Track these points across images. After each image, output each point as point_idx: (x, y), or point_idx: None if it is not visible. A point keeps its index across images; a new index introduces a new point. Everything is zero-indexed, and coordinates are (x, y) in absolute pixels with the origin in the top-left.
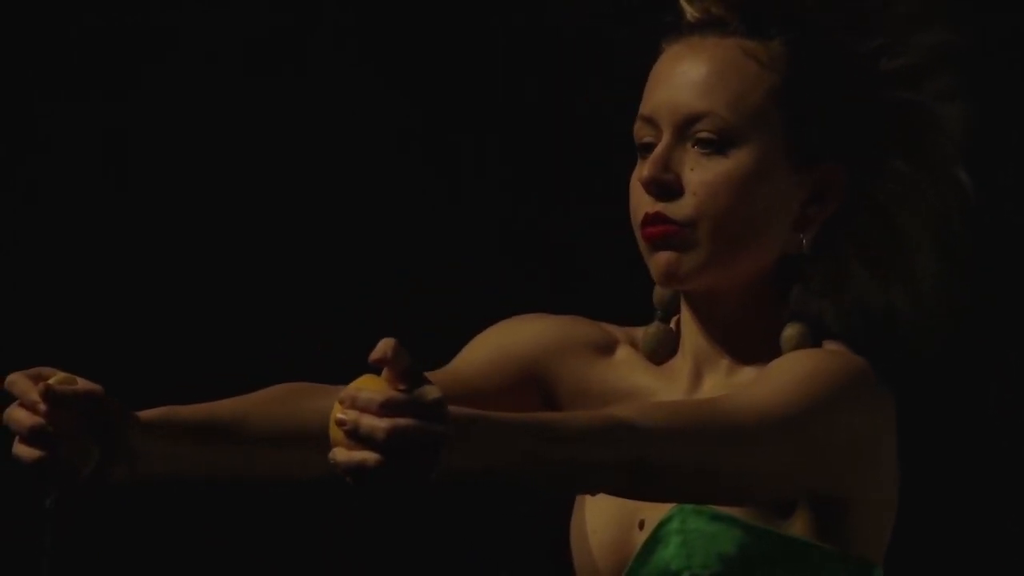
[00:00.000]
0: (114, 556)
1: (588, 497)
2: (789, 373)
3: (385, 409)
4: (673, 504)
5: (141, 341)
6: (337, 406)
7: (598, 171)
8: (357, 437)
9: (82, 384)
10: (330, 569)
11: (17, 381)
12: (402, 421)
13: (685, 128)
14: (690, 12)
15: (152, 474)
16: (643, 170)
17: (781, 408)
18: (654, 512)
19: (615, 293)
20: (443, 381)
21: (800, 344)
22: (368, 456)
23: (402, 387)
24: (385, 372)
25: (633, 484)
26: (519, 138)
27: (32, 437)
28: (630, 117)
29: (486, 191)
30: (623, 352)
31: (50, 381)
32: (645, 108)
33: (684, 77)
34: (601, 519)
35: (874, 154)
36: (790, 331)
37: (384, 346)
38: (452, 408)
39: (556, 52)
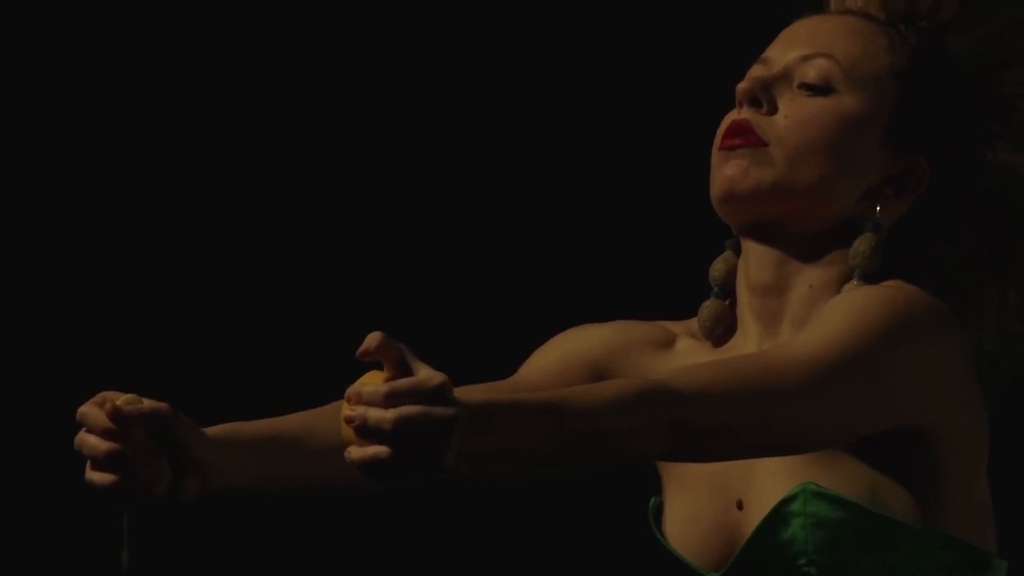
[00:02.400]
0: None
1: (676, 488)
2: (839, 314)
3: (390, 399)
4: (779, 481)
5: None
6: (345, 404)
7: None
8: (367, 432)
9: (148, 403)
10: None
11: (88, 413)
12: (407, 409)
13: (797, 66)
14: (836, 5)
15: (224, 488)
16: (741, 84)
17: (831, 352)
18: (750, 491)
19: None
20: (509, 392)
21: None
22: (380, 449)
23: (402, 377)
24: (385, 366)
25: (677, 446)
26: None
27: (105, 462)
28: None
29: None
30: (684, 343)
31: (117, 403)
32: (768, 51)
33: (813, 30)
34: (697, 505)
35: (957, 177)
36: (848, 288)
37: (369, 340)
38: (472, 396)
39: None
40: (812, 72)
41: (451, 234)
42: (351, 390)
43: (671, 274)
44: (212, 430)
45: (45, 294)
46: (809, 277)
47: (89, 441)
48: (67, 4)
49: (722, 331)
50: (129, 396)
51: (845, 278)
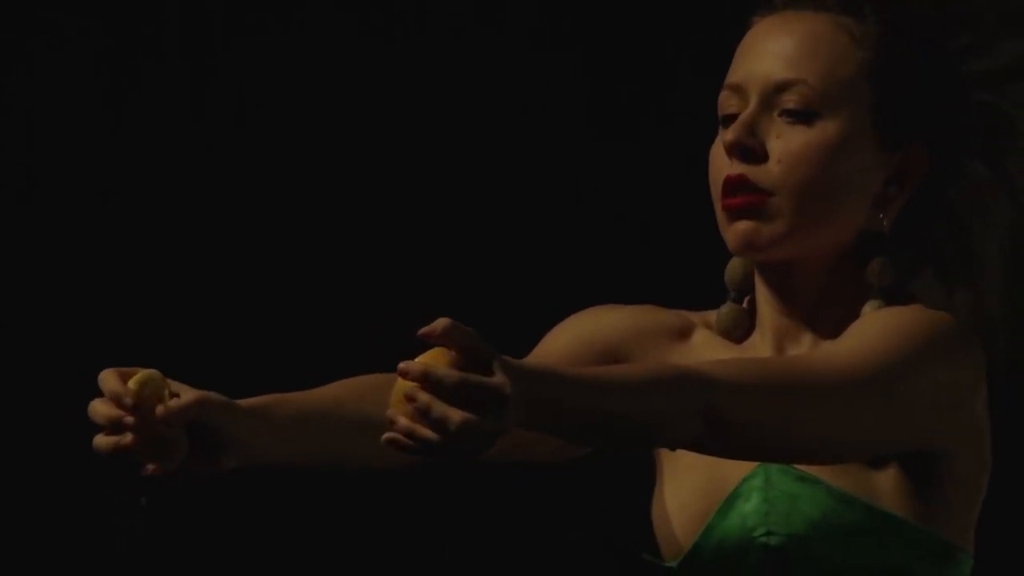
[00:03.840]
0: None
1: (671, 468)
2: (873, 329)
3: (455, 394)
4: (759, 464)
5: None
6: (402, 382)
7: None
8: (426, 418)
9: (184, 396)
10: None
11: (106, 378)
12: (472, 418)
13: (773, 96)
14: None
15: (259, 463)
16: (727, 134)
17: (864, 364)
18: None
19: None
20: None
21: None
22: (431, 436)
23: (469, 367)
24: (452, 350)
25: (710, 435)
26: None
27: (114, 429)
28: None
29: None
30: (700, 335)
31: (130, 383)
32: (733, 77)
33: (775, 47)
34: (690, 493)
35: (954, 149)
36: (871, 307)
37: (435, 325)
38: (520, 364)
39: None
40: (790, 102)
41: (451, 234)
42: (415, 367)
43: (671, 274)
44: (246, 402)
45: (45, 294)
46: (828, 287)
47: (98, 408)
48: (67, 4)
49: (741, 333)
50: (149, 372)
51: (863, 289)
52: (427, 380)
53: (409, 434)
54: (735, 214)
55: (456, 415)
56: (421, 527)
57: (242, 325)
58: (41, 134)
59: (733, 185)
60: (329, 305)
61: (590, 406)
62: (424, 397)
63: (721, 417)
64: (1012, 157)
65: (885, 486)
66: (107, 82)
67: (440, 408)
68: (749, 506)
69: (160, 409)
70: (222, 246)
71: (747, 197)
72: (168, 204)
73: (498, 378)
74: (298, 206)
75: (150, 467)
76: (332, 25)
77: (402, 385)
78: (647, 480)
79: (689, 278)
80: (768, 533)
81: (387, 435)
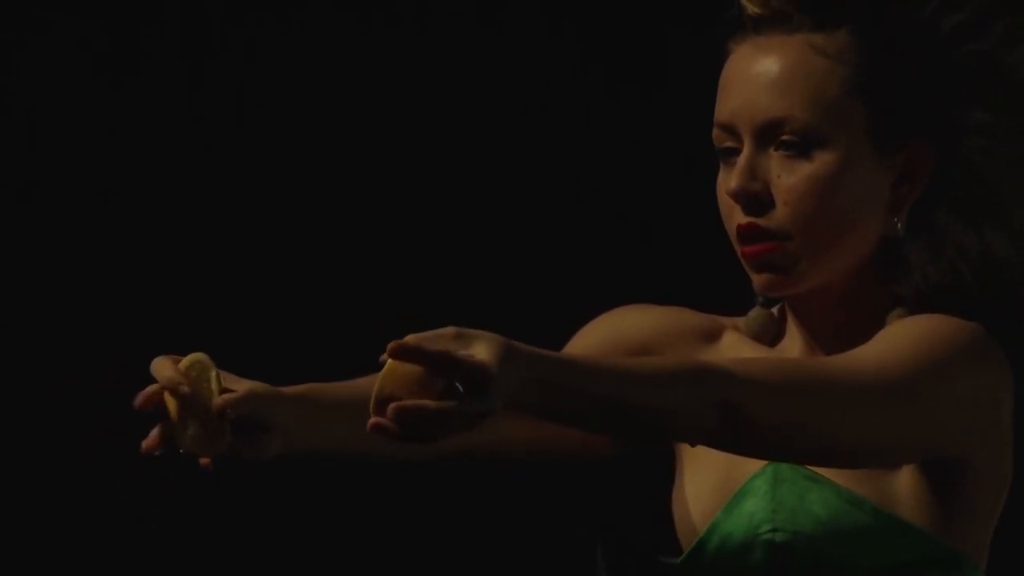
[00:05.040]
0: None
1: (690, 464)
2: (901, 336)
3: (443, 368)
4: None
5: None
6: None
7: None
8: (403, 413)
9: (238, 390)
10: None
11: (159, 366)
12: (447, 405)
13: (766, 133)
14: (751, 8)
15: (299, 449)
16: (730, 181)
17: (891, 370)
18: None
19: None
20: None
21: None
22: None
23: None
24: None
25: (729, 431)
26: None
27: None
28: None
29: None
30: (730, 337)
31: (181, 364)
32: (721, 115)
33: (757, 82)
34: (705, 485)
35: (954, 117)
36: (896, 315)
37: (394, 348)
38: (534, 350)
39: None
40: (784, 137)
41: (451, 234)
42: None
43: (671, 274)
44: (290, 390)
45: (45, 294)
46: (856, 295)
47: (163, 371)
48: (67, 4)
49: (770, 339)
50: (196, 355)
51: (890, 294)
52: (405, 415)
53: (384, 431)
54: (755, 264)
55: (432, 405)
56: (428, 522)
57: (242, 325)
58: (41, 134)
59: (746, 234)
60: (329, 304)
61: (597, 391)
62: (398, 392)
63: (739, 413)
64: (1011, 95)
65: (901, 492)
66: (107, 82)
67: (413, 404)
68: (756, 503)
69: (218, 402)
70: (222, 246)
71: (763, 246)
72: (168, 204)
73: (481, 356)
74: (298, 206)
75: (204, 461)
76: (332, 25)
77: (384, 375)
78: (663, 475)
79: (689, 278)
80: (774, 530)
81: (372, 421)
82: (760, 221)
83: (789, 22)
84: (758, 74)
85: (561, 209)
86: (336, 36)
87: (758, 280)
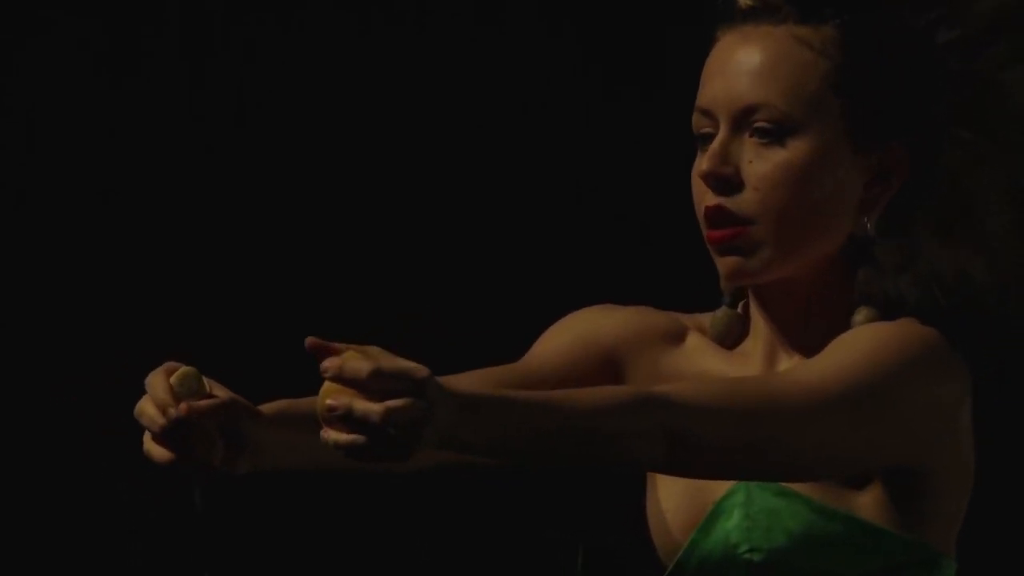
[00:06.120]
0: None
1: (660, 480)
2: (851, 346)
3: (373, 380)
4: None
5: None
6: (324, 391)
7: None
8: (351, 423)
9: (215, 395)
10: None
11: (153, 384)
12: (395, 404)
13: (742, 119)
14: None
15: (273, 466)
16: (702, 163)
17: (840, 382)
18: (724, 491)
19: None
20: (520, 373)
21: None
22: (357, 438)
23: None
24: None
25: (674, 458)
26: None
27: (164, 435)
28: None
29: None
30: (693, 339)
31: (171, 379)
32: (702, 100)
33: (739, 68)
34: (674, 499)
35: (936, 127)
36: (860, 316)
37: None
38: (463, 385)
39: None
40: (760, 124)
41: (451, 234)
42: (332, 368)
43: (671, 274)
44: (267, 407)
45: (45, 294)
46: (820, 295)
47: (148, 412)
48: (67, 4)
49: (733, 339)
50: (188, 369)
51: (855, 295)
52: (343, 377)
53: (335, 442)
54: (719, 248)
55: (378, 407)
56: (413, 529)
57: (242, 325)
58: (41, 134)
59: (713, 217)
60: (329, 304)
61: (536, 424)
62: (343, 401)
63: (684, 441)
64: (999, 118)
65: (866, 500)
66: (107, 82)
67: (361, 407)
68: (731, 523)
69: (183, 407)
70: (222, 246)
71: (728, 230)
72: (168, 204)
73: (412, 364)
74: (298, 206)
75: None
76: (332, 25)
77: (325, 391)
78: (636, 482)
79: (689, 278)
80: (751, 550)
81: (324, 436)
82: (727, 204)
83: (777, 13)
84: (740, 61)
85: (561, 209)
86: (336, 36)
87: (722, 265)
